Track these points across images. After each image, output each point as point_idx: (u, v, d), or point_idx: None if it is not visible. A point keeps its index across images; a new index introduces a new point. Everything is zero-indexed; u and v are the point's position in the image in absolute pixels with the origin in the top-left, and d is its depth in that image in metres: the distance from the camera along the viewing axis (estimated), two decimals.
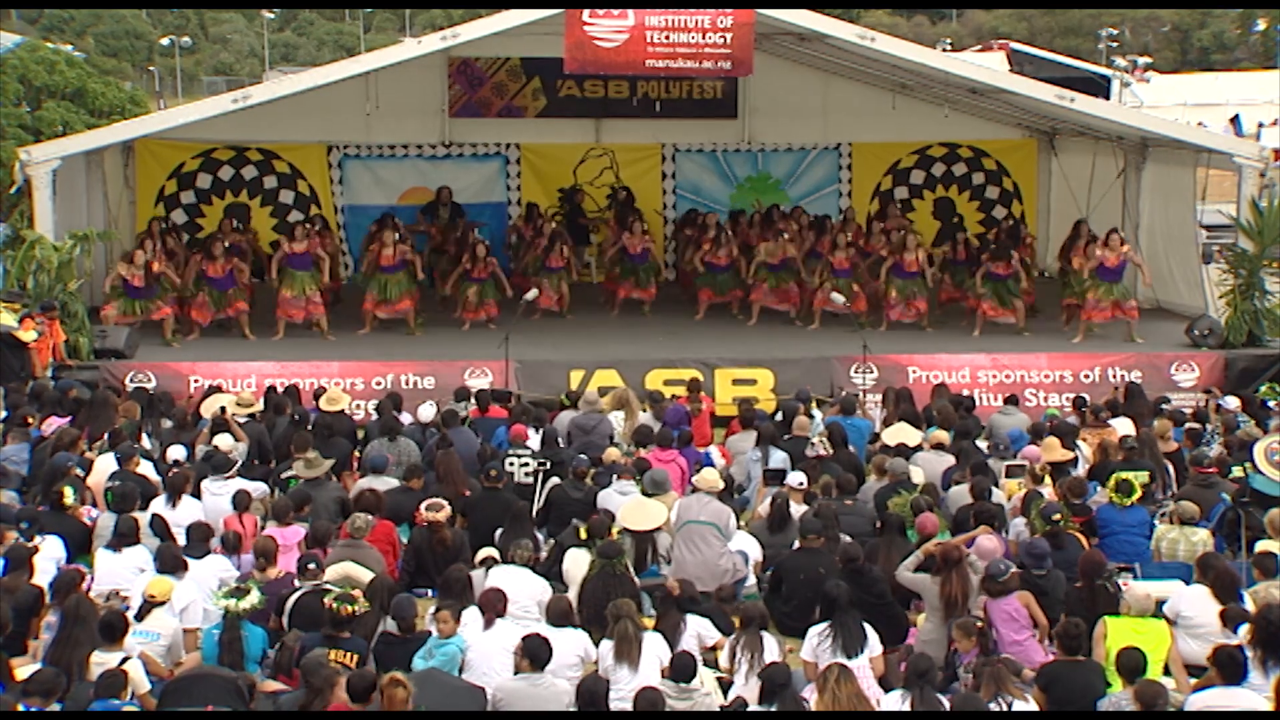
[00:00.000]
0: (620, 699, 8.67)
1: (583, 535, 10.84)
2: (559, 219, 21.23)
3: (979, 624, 9.47)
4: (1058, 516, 10.74)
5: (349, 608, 9.03)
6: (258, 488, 12.22)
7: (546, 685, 8.57)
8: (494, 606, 9.29)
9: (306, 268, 17.90)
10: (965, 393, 16.08)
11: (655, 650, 8.95)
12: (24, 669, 8.53)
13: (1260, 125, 44.43)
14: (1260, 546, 10.57)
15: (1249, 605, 9.53)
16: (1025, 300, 18.66)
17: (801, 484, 12.15)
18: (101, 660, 8.56)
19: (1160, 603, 9.71)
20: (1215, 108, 45.71)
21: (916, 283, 18.51)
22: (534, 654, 8.59)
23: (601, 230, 21.99)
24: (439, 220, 21.02)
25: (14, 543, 10.21)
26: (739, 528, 11.52)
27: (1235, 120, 44.27)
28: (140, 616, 9.26)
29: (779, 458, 12.88)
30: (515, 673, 8.71)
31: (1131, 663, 8.36)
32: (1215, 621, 9.38)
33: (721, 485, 11.70)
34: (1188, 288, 19.28)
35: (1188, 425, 14.15)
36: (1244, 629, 8.79)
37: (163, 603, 9.30)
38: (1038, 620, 9.61)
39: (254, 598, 9.32)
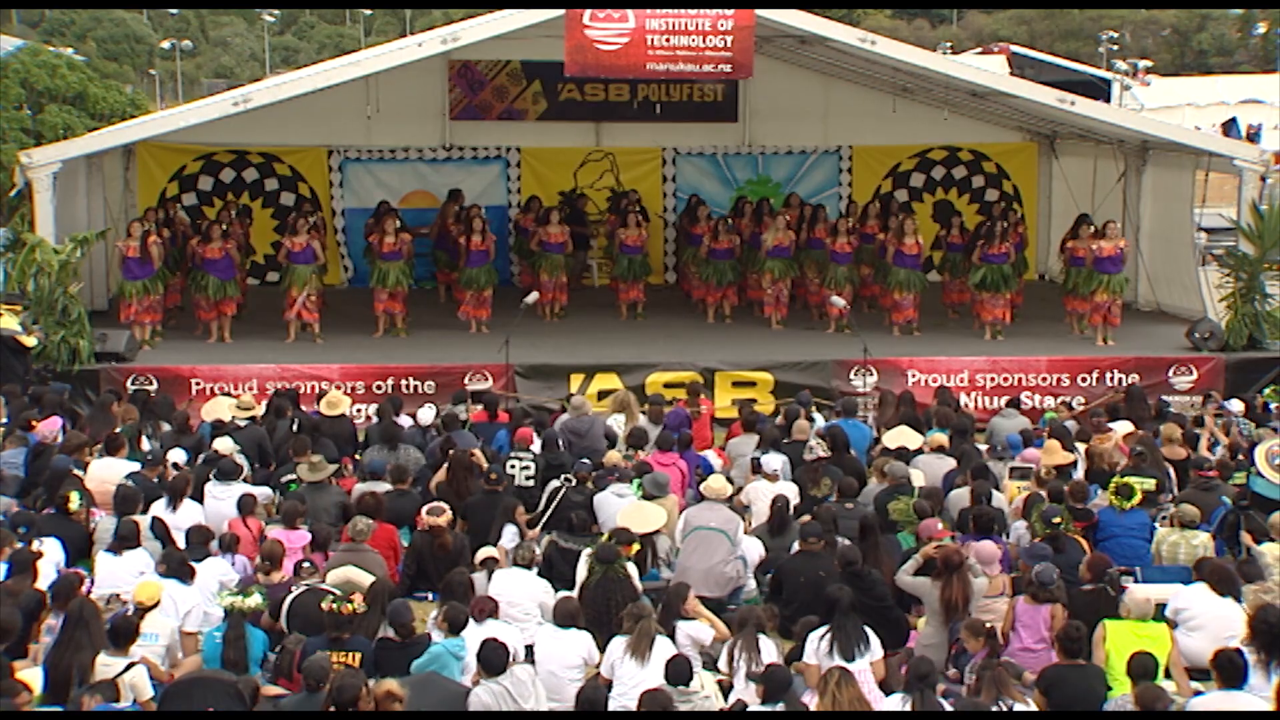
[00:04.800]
0: (623, 694, 8.70)
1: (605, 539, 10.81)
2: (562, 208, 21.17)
3: (987, 625, 9.46)
4: (1058, 520, 10.74)
5: (348, 606, 9.05)
6: (262, 492, 12.22)
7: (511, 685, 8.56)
8: (481, 609, 9.38)
9: (310, 261, 17.92)
10: (963, 396, 16.17)
11: (664, 653, 8.95)
12: (24, 672, 8.54)
13: (1255, 127, 44.38)
14: (1265, 549, 10.58)
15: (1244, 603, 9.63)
16: (1014, 299, 18.67)
17: (775, 471, 12.26)
18: (108, 663, 8.56)
19: (1161, 606, 9.72)
20: (1215, 111, 45.64)
21: (917, 274, 18.52)
22: (488, 661, 8.58)
23: (601, 234, 22.00)
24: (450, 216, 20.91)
25: (18, 547, 10.22)
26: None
27: (1232, 123, 44.19)
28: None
29: (777, 461, 12.87)
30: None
31: (1142, 668, 8.35)
32: (1213, 612, 9.42)
33: (729, 491, 11.72)
34: (1187, 291, 19.30)
35: (1186, 429, 14.15)
36: (1242, 630, 8.82)
37: (152, 607, 9.29)
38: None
39: (257, 599, 9.37)
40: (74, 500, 11.21)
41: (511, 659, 9.02)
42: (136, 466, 12.42)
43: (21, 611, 9.17)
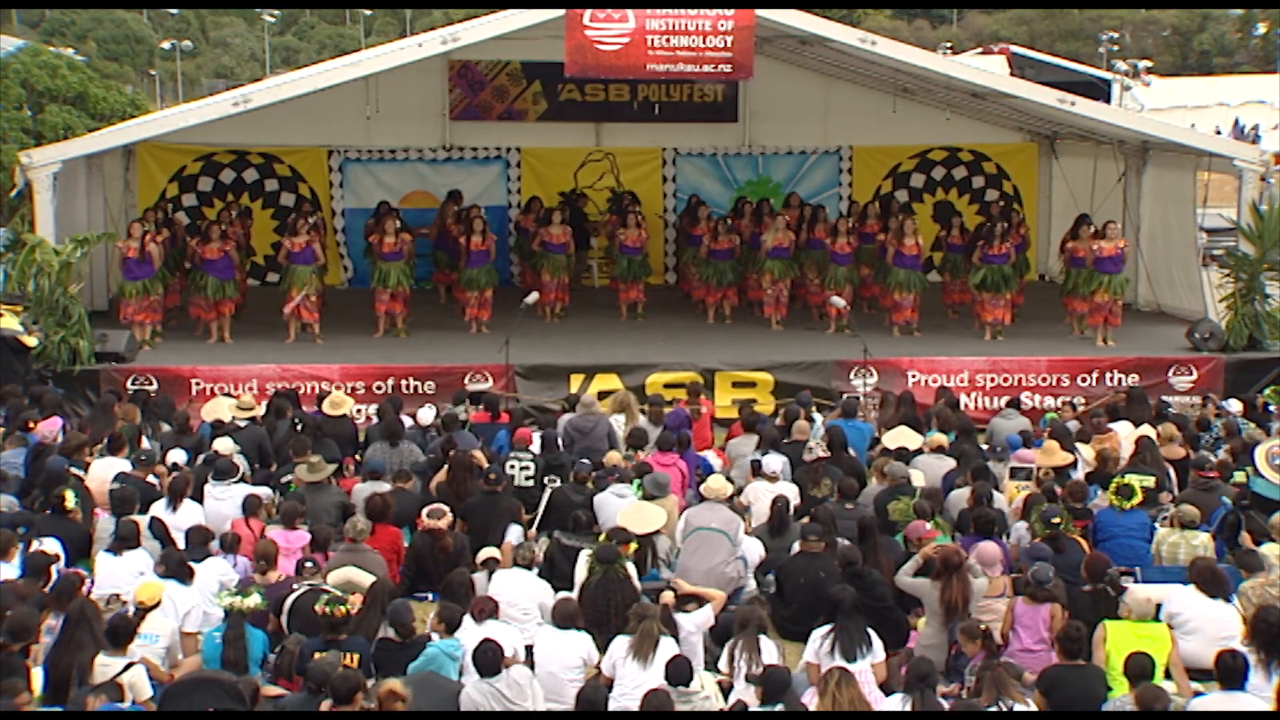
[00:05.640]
0: (624, 694, 8.69)
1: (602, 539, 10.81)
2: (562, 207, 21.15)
3: (983, 627, 9.46)
4: (1058, 520, 10.74)
5: (340, 609, 9.06)
6: (262, 492, 12.21)
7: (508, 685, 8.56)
8: (481, 610, 9.39)
9: (310, 262, 17.91)
10: (964, 396, 16.17)
11: (666, 654, 8.94)
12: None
13: (1252, 129, 44.42)
14: (1265, 550, 10.57)
15: (1236, 603, 9.65)
16: (1015, 300, 18.67)
17: (775, 471, 12.31)
18: (107, 663, 8.56)
19: (1160, 606, 9.73)
20: (1215, 111, 45.66)
21: (917, 275, 18.52)
22: (482, 662, 8.59)
23: (602, 235, 22.01)
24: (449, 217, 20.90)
25: (32, 550, 10.23)
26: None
27: (1239, 124, 44.22)
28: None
29: (777, 461, 12.88)
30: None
31: (1139, 668, 8.36)
32: (1206, 615, 9.46)
33: (729, 492, 11.70)
34: (1188, 291, 19.30)
35: (1188, 431, 14.14)
36: (1237, 630, 8.82)
37: (153, 607, 9.29)
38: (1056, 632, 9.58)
39: (256, 599, 9.36)
40: (69, 500, 11.21)
41: (511, 658, 9.03)
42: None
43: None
